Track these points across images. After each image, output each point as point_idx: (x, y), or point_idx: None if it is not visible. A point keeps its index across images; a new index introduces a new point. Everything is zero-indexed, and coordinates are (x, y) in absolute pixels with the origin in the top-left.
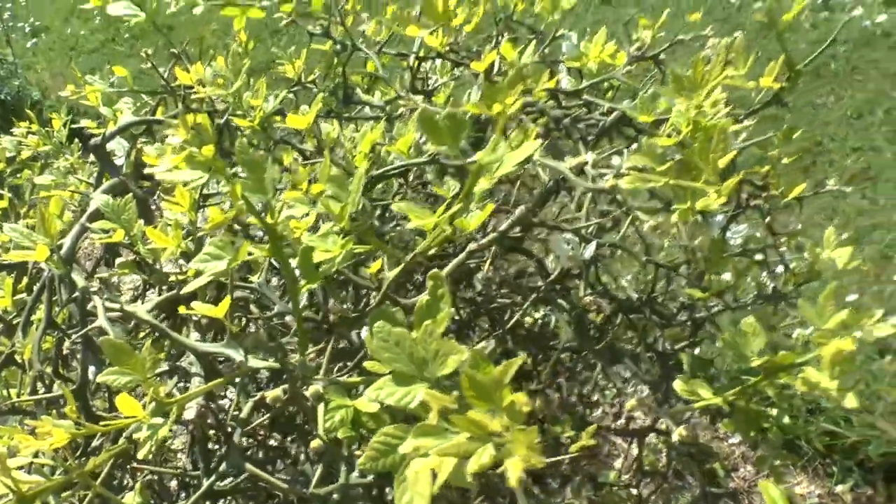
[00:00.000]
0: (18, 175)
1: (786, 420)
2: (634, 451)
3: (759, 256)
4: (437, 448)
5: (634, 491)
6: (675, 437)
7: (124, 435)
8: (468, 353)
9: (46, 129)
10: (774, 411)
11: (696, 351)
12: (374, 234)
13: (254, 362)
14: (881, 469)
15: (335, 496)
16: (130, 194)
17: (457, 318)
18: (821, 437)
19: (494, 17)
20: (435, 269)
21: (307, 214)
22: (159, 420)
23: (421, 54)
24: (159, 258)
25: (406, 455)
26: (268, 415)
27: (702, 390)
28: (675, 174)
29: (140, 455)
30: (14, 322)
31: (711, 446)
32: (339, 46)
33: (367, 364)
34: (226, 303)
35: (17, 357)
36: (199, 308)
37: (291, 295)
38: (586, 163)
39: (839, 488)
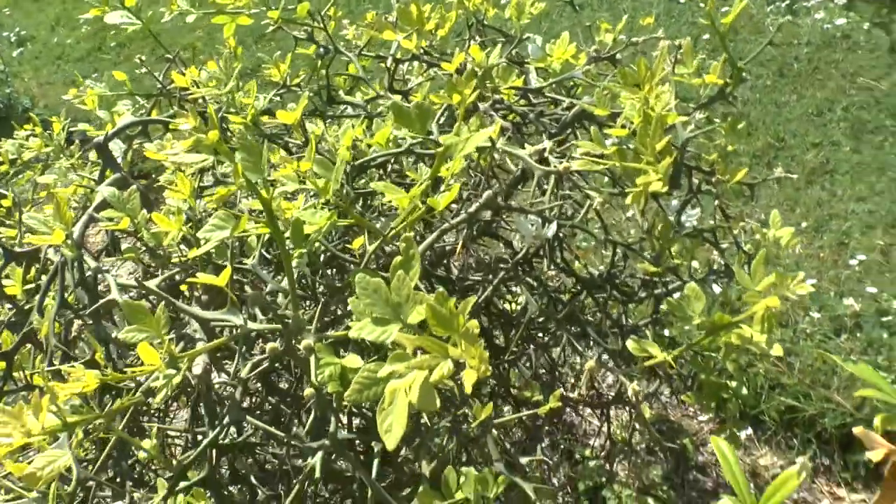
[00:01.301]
0: (21, 176)
1: (744, 391)
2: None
3: (727, 242)
4: (407, 364)
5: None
6: (630, 391)
7: (141, 388)
8: (433, 297)
9: (48, 131)
10: (734, 384)
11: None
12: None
13: (252, 325)
14: (836, 440)
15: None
16: (133, 186)
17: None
18: (782, 412)
19: (467, 21)
20: (406, 234)
21: (295, 196)
22: (173, 371)
23: (398, 56)
24: (162, 243)
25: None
26: (262, 371)
27: (652, 349)
28: (621, 158)
29: (157, 399)
30: (27, 307)
31: (682, 424)
32: (322, 50)
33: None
34: (226, 273)
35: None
36: (203, 278)
37: (284, 260)
38: (545, 150)
39: (799, 459)
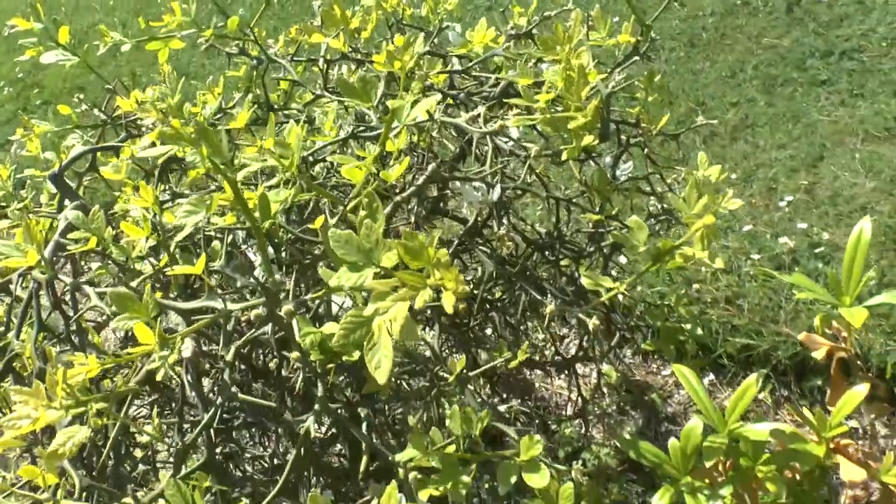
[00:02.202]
0: None
1: (699, 332)
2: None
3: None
4: (391, 297)
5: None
6: (591, 327)
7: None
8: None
9: None
10: (688, 326)
11: None
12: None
13: (233, 306)
14: (792, 370)
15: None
16: (97, 206)
17: None
18: (738, 351)
19: (387, 22)
20: (368, 190)
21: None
22: (166, 352)
23: (328, 58)
24: (130, 256)
25: (370, 330)
26: (247, 355)
27: (604, 282)
28: (550, 112)
29: (158, 377)
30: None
31: (647, 381)
32: (255, 62)
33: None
34: (202, 261)
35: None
36: (179, 269)
37: (255, 231)
38: (479, 115)
39: (761, 395)
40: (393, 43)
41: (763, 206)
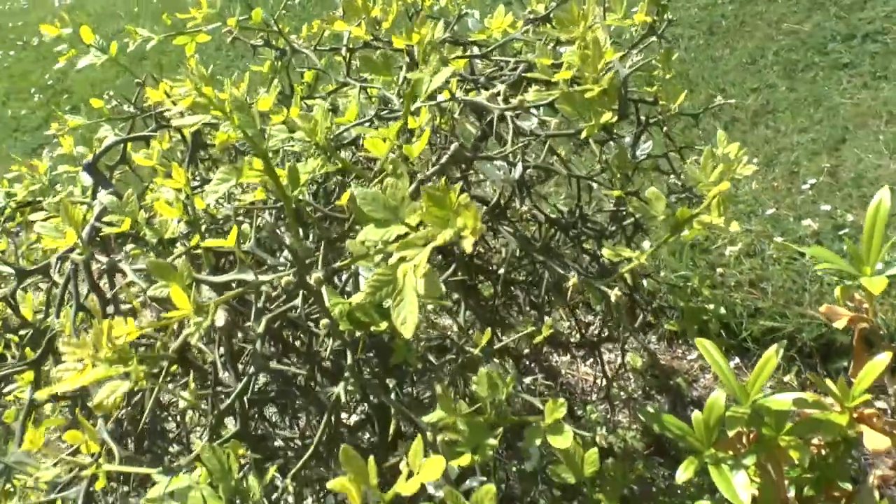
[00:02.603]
0: (12, 220)
1: (722, 311)
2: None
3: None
4: (413, 237)
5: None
6: (612, 298)
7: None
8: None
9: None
10: (711, 307)
11: None
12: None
13: (263, 277)
14: (818, 352)
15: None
16: (130, 190)
17: None
18: (763, 334)
19: (407, 12)
20: (394, 157)
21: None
22: (201, 318)
23: (351, 46)
24: (163, 238)
25: (396, 287)
26: (277, 332)
27: (624, 252)
28: (569, 87)
29: (193, 341)
30: (42, 328)
31: (672, 366)
32: (279, 52)
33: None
34: (234, 233)
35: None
36: (211, 242)
37: (285, 200)
38: (499, 93)
39: (787, 378)
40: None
41: (785, 189)
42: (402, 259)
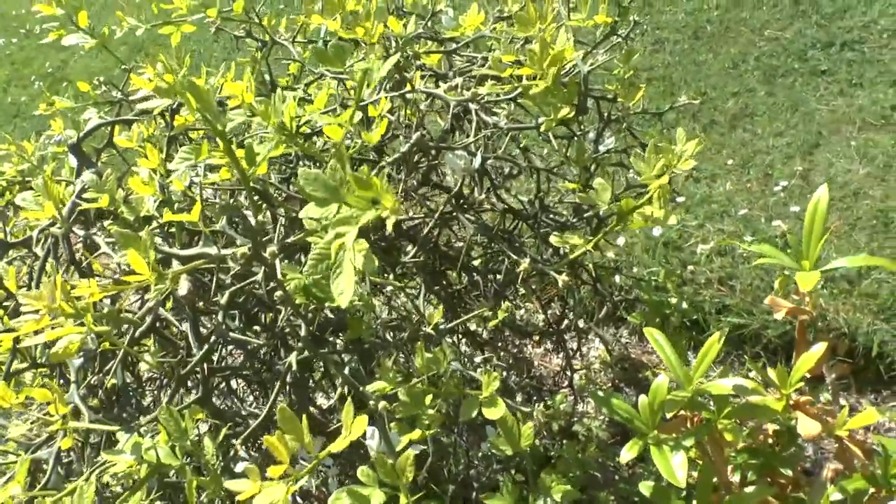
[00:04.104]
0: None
1: (684, 306)
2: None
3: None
4: (345, 215)
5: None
6: (560, 283)
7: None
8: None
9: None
10: (674, 300)
11: None
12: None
13: (225, 251)
14: (781, 349)
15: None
16: (109, 170)
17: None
18: (730, 331)
19: (387, 7)
20: (339, 141)
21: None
22: (162, 286)
23: (326, 39)
24: (139, 214)
25: (336, 259)
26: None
27: (571, 240)
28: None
29: (151, 296)
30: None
31: (642, 360)
32: (259, 44)
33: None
34: (197, 208)
35: None
36: (177, 216)
37: (242, 177)
38: (457, 86)
39: (752, 374)
40: (387, 24)
41: (759, 191)
42: (339, 235)
